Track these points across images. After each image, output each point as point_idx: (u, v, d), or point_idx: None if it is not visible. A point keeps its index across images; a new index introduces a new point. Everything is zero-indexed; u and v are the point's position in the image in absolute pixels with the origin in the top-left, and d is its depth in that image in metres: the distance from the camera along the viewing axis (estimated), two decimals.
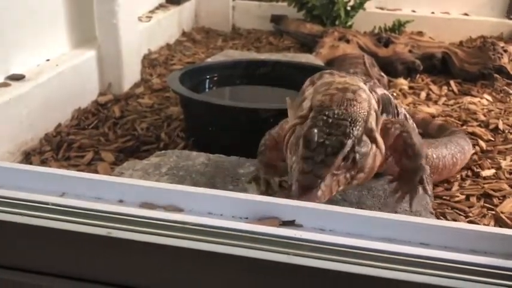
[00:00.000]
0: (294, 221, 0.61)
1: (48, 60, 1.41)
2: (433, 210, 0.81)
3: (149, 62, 1.94)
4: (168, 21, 2.21)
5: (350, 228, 0.60)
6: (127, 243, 0.53)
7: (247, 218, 0.62)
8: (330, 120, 0.67)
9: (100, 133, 1.36)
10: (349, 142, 0.66)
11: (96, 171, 1.15)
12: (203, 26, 2.56)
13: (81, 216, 0.56)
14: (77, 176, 0.67)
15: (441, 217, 1.01)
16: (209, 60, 1.66)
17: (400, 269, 0.54)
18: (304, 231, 0.59)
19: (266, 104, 1.16)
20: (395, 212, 0.80)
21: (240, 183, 0.86)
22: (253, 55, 1.86)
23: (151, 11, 2.16)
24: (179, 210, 0.63)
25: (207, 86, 1.41)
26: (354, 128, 0.67)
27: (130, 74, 1.68)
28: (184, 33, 2.41)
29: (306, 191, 0.64)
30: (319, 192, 0.64)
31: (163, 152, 0.97)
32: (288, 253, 0.54)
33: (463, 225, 0.60)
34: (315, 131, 0.66)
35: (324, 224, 0.61)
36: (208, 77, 1.41)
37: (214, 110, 1.13)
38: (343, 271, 0.54)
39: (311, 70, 1.43)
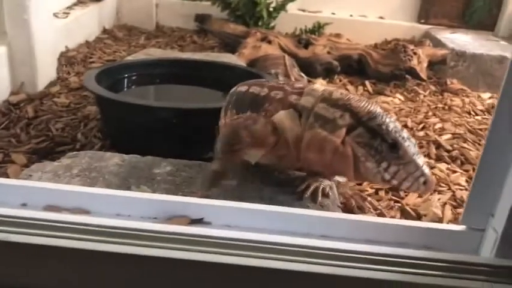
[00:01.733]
0: (202, 219, 0.63)
1: None
2: (341, 204, 0.85)
3: (67, 59, 1.87)
4: (88, 17, 2.14)
5: (255, 223, 0.62)
6: (26, 248, 0.52)
7: (156, 218, 0.63)
8: (391, 121, 0.76)
9: (11, 134, 1.30)
10: None
11: (6, 175, 1.09)
12: (125, 24, 2.50)
13: None
14: None
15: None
16: (129, 58, 1.63)
17: (301, 261, 0.56)
18: (212, 229, 0.60)
19: (180, 104, 1.16)
20: (307, 207, 0.83)
21: (155, 183, 0.86)
22: (175, 54, 1.85)
23: (69, 7, 2.08)
24: (86, 212, 0.62)
25: (125, 85, 1.39)
26: None
27: (45, 72, 1.61)
28: (105, 31, 2.34)
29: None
30: None
31: (75, 153, 0.94)
32: (194, 250, 0.55)
33: (358, 217, 0.64)
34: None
35: (231, 221, 0.63)
36: (126, 75, 1.39)
37: (129, 109, 1.11)
38: (248, 265, 0.56)
39: (232, 70, 1.46)
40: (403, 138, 0.73)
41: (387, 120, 0.75)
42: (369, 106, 0.78)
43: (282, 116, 0.81)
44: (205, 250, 0.56)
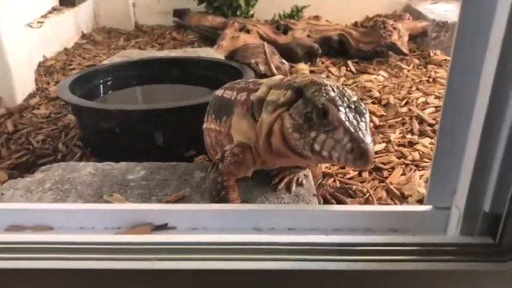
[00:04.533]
0: (166, 224, 0.62)
1: None
2: (316, 192, 0.84)
3: (45, 69, 1.86)
4: (64, 24, 2.13)
5: (221, 223, 0.61)
6: None
7: (119, 228, 0.62)
8: (337, 89, 0.64)
9: None
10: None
11: None
12: (104, 26, 2.48)
13: None
14: None
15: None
16: (105, 62, 1.62)
17: (266, 259, 0.56)
18: (176, 234, 0.60)
19: (150, 106, 1.15)
20: (281, 198, 0.83)
21: (128, 190, 0.85)
22: (153, 53, 1.83)
23: (44, 16, 2.07)
24: (48, 228, 0.62)
25: (101, 90, 1.38)
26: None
27: (23, 85, 1.60)
28: (83, 36, 2.32)
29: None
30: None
31: (48, 166, 0.93)
32: (155, 259, 0.54)
33: (324, 207, 0.64)
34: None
35: (197, 223, 0.62)
36: (102, 81, 1.38)
37: (102, 115, 1.10)
38: (218, 269, 0.55)
39: (210, 65, 1.45)
40: (337, 104, 0.61)
41: (329, 88, 0.64)
42: (314, 78, 0.67)
43: (237, 127, 0.79)
44: (169, 258, 0.55)
